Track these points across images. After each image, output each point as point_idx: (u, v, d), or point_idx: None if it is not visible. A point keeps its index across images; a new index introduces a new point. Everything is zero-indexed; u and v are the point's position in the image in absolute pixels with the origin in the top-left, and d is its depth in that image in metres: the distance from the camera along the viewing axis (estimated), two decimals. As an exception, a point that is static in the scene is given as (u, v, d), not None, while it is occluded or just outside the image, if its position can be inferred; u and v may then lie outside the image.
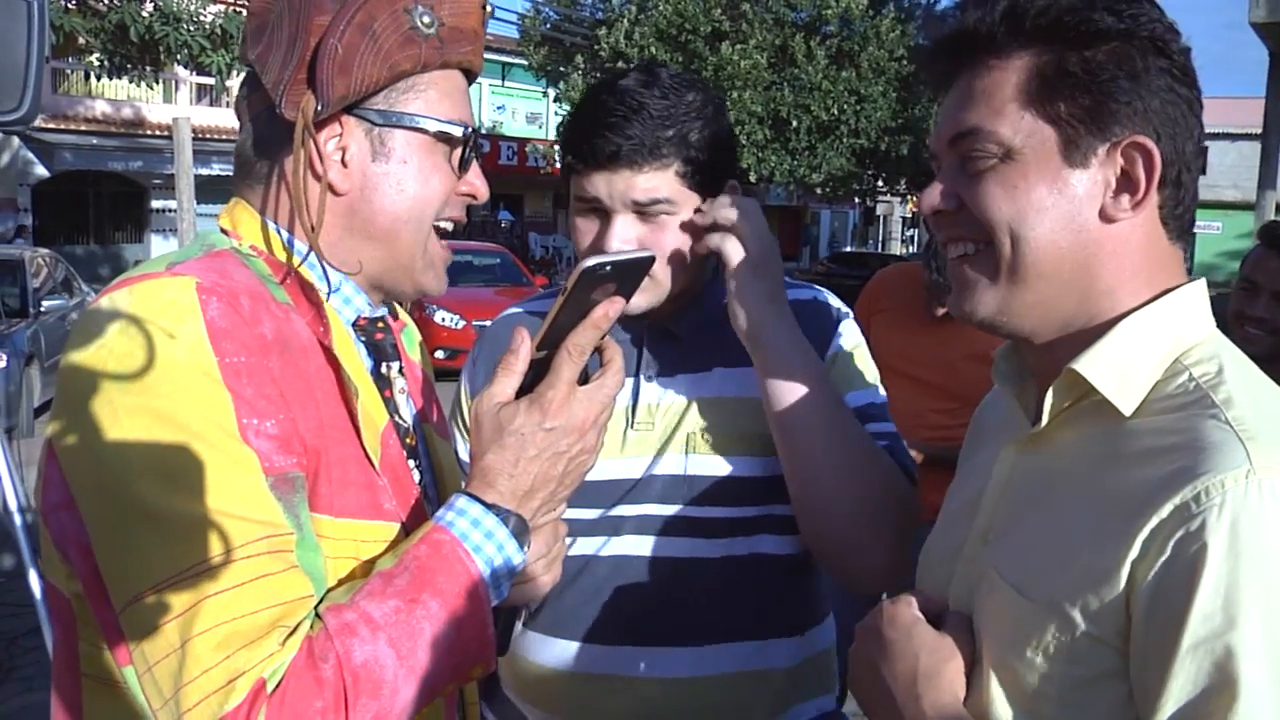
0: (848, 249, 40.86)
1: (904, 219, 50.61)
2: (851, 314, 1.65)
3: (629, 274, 1.16)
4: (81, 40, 13.28)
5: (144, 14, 12.78)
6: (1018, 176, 1.03)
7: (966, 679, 1.05)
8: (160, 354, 0.99)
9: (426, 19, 1.15)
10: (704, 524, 1.52)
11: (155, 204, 27.14)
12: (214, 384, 1.00)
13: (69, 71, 23.99)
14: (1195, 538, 0.87)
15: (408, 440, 1.26)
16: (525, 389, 1.14)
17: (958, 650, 1.06)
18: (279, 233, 1.18)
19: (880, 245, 44.53)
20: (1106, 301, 1.04)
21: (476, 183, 1.25)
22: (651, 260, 1.20)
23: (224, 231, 1.19)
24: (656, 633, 1.51)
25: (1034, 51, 1.03)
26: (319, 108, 1.11)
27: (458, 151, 1.22)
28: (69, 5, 13.15)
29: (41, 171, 23.46)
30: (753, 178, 24.61)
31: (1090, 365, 1.01)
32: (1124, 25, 1.00)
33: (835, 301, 1.65)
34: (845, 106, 23.76)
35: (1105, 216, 1.02)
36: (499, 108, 37.91)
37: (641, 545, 1.53)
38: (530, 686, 1.60)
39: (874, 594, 1.58)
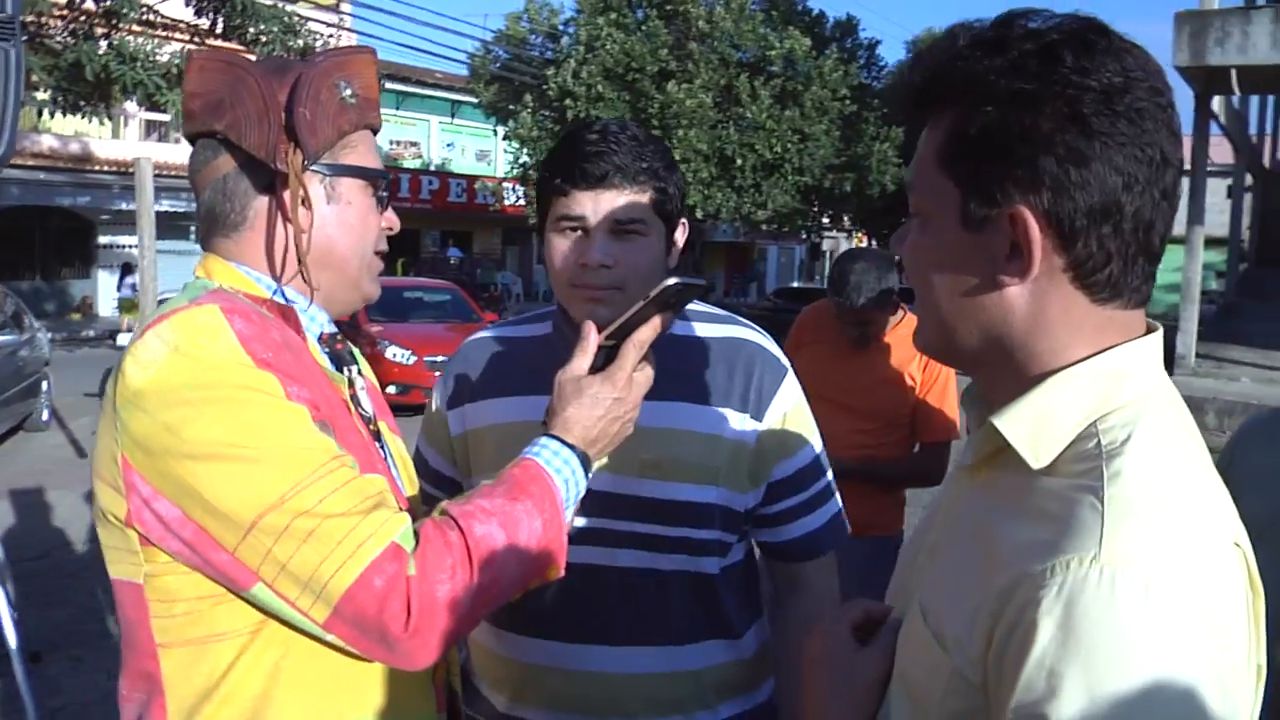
0: (794, 284, 41.37)
1: (850, 255, 51.14)
2: (791, 366, 1.86)
3: (687, 295, 1.47)
4: (35, 77, 13.26)
5: (99, 53, 12.79)
6: (927, 238, 1.05)
7: (886, 693, 1.10)
8: (209, 358, 1.27)
9: (348, 91, 1.47)
10: (654, 540, 1.72)
11: (103, 239, 26.99)
12: (256, 369, 1.28)
13: (17, 107, 23.79)
14: (1032, 610, 0.88)
15: (370, 427, 1.55)
16: (594, 368, 1.47)
17: (876, 665, 1.11)
18: (248, 274, 1.46)
19: (825, 280, 44.87)
20: (1028, 358, 1.02)
21: (393, 216, 1.57)
22: (704, 286, 1.48)
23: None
24: (608, 632, 1.72)
25: (957, 111, 1.01)
26: (305, 160, 1.41)
27: (377, 192, 1.52)
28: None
29: (-12, 207, 23.31)
30: (699, 214, 24.98)
31: (1007, 420, 1.01)
32: (1030, 87, 0.95)
33: (776, 351, 1.86)
34: (789, 145, 24.14)
35: (997, 282, 1.00)
36: (448, 145, 37.95)
37: (597, 555, 1.72)
38: (501, 680, 1.83)
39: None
